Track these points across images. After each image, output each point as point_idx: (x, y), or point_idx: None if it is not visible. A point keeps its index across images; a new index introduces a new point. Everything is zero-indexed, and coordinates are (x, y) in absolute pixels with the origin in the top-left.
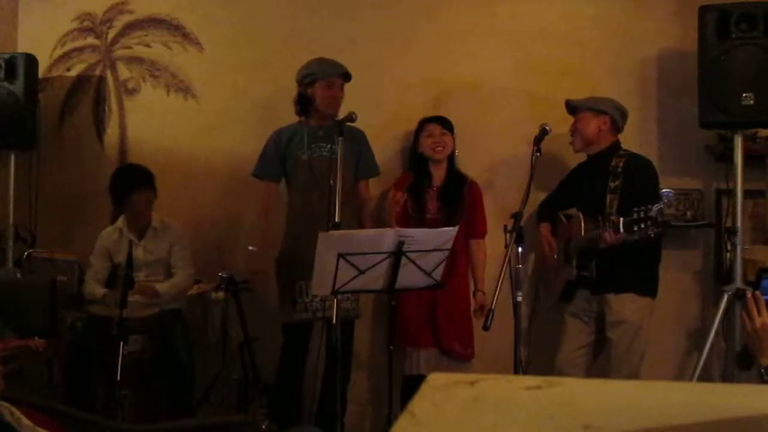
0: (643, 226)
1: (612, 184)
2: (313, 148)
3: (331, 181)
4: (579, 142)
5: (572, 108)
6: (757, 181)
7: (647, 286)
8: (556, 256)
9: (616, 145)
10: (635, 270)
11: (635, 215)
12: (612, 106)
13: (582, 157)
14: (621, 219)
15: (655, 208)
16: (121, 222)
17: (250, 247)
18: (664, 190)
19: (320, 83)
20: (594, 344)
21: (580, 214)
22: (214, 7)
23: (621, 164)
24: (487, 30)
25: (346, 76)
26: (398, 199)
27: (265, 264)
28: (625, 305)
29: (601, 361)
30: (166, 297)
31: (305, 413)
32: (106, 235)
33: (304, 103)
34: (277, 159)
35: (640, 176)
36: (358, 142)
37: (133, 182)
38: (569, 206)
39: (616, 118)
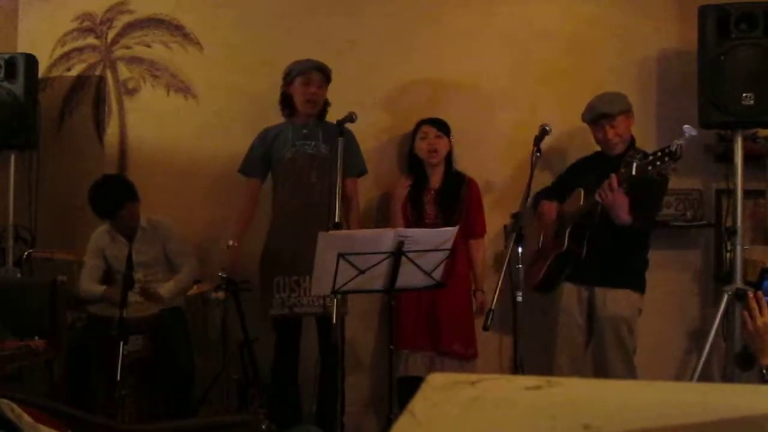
0: (659, 163)
1: (623, 171)
2: (297, 146)
3: (314, 179)
4: (622, 144)
5: (606, 116)
6: (757, 181)
7: (639, 282)
8: (542, 237)
9: (633, 140)
10: (629, 265)
11: (650, 156)
12: (629, 101)
13: (590, 147)
14: (634, 163)
15: (675, 143)
16: (107, 226)
17: (230, 242)
18: (685, 126)
19: (298, 79)
20: (587, 342)
21: (581, 190)
22: (214, 7)
23: (637, 157)
24: (487, 30)
25: (323, 71)
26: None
27: (240, 261)
28: (621, 302)
29: (592, 352)
30: (172, 297)
31: (305, 413)
32: (98, 236)
33: (286, 102)
34: (262, 157)
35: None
36: (344, 139)
37: (117, 200)
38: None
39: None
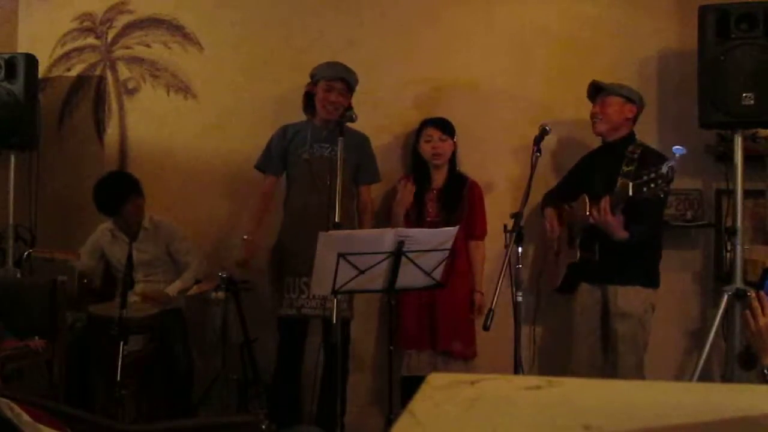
0: (653, 185)
1: (625, 169)
2: (315, 148)
3: (329, 182)
4: (604, 125)
5: (598, 90)
6: (757, 181)
7: (651, 278)
8: (557, 242)
9: (633, 135)
10: (640, 262)
11: (644, 177)
12: (639, 97)
13: (590, 147)
14: (630, 183)
15: (666, 165)
16: (110, 224)
17: (245, 236)
18: (675, 147)
19: (321, 84)
20: (601, 338)
21: (585, 196)
22: (214, 7)
23: (638, 152)
24: (487, 30)
25: (347, 82)
26: (410, 189)
27: (255, 255)
28: (631, 298)
29: (607, 354)
30: (180, 296)
31: (305, 413)
32: (100, 233)
33: (307, 100)
34: (280, 154)
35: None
36: (360, 146)
37: (121, 194)
38: (576, 196)
39: (640, 110)
